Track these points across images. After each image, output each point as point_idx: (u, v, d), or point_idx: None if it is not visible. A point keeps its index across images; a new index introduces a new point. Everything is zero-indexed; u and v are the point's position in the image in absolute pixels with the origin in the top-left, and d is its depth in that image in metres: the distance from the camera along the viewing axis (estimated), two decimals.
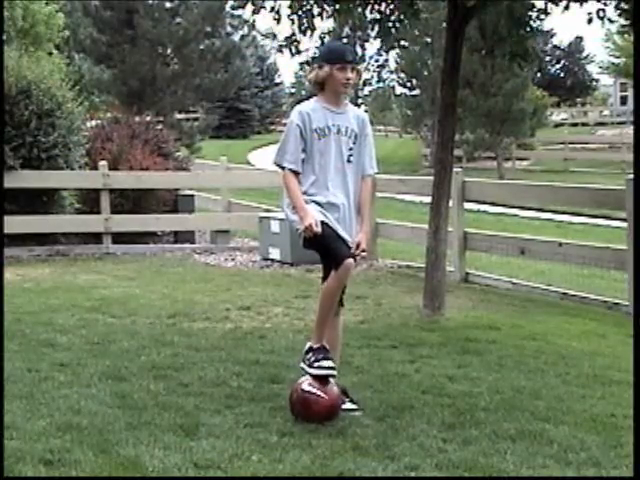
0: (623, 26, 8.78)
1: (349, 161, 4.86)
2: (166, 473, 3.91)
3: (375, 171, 5.02)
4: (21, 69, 11.51)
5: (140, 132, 13.90)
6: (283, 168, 4.85)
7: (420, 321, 7.48)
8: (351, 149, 4.85)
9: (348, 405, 4.84)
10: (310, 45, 9.33)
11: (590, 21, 7.59)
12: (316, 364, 4.73)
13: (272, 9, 8.08)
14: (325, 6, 8.00)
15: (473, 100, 29.60)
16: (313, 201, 4.79)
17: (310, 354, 4.78)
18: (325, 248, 4.82)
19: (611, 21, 7.69)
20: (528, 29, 8.00)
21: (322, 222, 4.72)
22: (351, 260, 4.73)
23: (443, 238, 7.88)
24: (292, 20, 8.01)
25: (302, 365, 4.81)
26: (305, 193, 4.80)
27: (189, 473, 3.92)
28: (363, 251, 4.89)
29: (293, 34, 8.08)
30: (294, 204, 4.81)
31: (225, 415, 4.73)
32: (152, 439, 4.30)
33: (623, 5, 7.45)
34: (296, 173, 4.81)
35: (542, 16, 8.07)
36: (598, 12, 7.51)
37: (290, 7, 7.96)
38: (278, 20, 8.09)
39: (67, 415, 4.66)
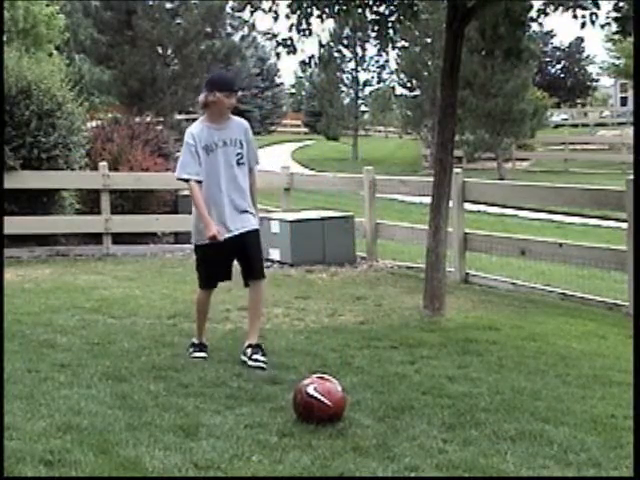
0: (614, 33, 8.69)
1: (240, 163, 5.99)
2: (166, 474, 3.92)
3: (257, 162, 6.19)
4: (21, 69, 11.50)
5: (140, 133, 13.89)
6: (186, 181, 5.93)
7: (420, 322, 7.48)
8: (239, 154, 5.97)
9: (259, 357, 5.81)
10: (310, 45, 9.33)
11: (583, 25, 7.58)
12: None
13: (269, 9, 8.07)
14: (324, 8, 7.99)
15: (473, 101, 29.56)
16: (212, 204, 5.87)
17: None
18: (199, 266, 6.17)
19: (602, 27, 7.67)
20: (525, 30, 8.00)
21: (211, 250, 5.93)
22: (204, 292, 6.18)
23: (443, 239, 7.88)
24: (290, 20, 8.00)
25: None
26: (204, 195, 5.86)
27: (189, 474, 3.93)
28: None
29: (289, 32, 8.07)
30: (200, 213, 5.92)
31: (225, 416, 4.73)
32: (152, 440, 4.31)
33: (615, 13, 7.44)
34: (199, 182, 5.90)
35: (541, 16, 8.06)
36: (591, 16, 7.50)
37: (289, 6, 7.96)
38: (275, 19, 8.08)
39: (67, 416, 4.66)
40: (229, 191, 5.96)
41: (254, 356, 5.84)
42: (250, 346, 5.94)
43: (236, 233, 6.00)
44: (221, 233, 5.88)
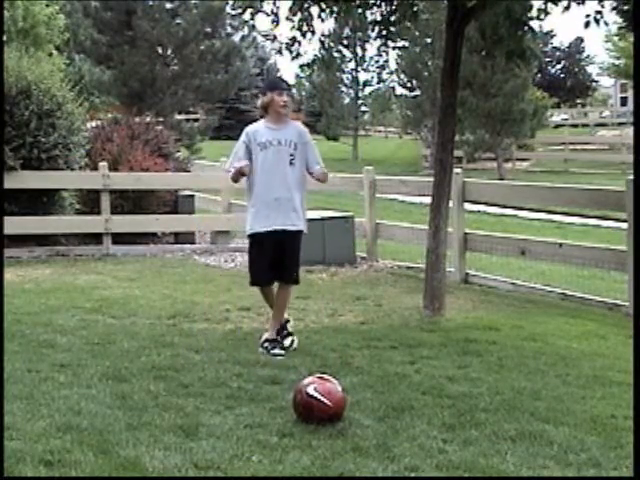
0: (620, 28, 8.73)
1: (292, 164, 6.38)
2: (166, 474, 3.92)
3: (321, 165, 6.48)
4: (21, 69, 11.49)
5: (140, 133, 13.87)
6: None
7: (420, 322, 7.48)
8: (292, 155, 6.38)
9: (283, 345, 6.27)
10: (310, 47, 9.37)
11: (587, 24, 7.58)
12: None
13: (271, 12, 8.06)
14: (324, 6, 7.98)
15: (473, 101, 29.55)
16: (260, 199, 6.37)
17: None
18: (249, 257, 6.57)
19: (607, 24, 7.66)
20: (526, 29, 7.99)
21: (256, 243, 6.44)
22: (260, 289, 6.58)
23: (443, 239, 7.88)
24: (291, 20, 7.99)
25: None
26: (255, 190, 6.40)
27: (189, 474, 3.93)
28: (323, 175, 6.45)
29: (293, 37, 8.07)
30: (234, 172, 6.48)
31: (225, 416, 4.73)
32: (152, 440, 4.31)
33: (621, 7, 7.43)
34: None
35: (542, 16, 8.05)
36: (595, 15, 7.49)
37: (290, 9, 7.95)
38: (277, 22, 8.08)
39: (67, 416, 4.66)
40: (277, 188, 6.34)
41: (272, 351, 6.20)
42: (267, 340, 6.32)
43: (277, 228, 6.35)
44: (244, 169, 6.30)
